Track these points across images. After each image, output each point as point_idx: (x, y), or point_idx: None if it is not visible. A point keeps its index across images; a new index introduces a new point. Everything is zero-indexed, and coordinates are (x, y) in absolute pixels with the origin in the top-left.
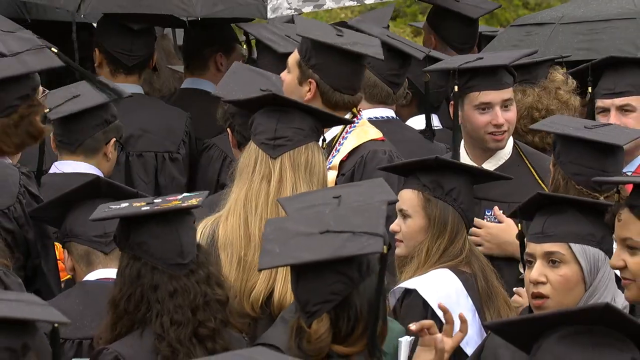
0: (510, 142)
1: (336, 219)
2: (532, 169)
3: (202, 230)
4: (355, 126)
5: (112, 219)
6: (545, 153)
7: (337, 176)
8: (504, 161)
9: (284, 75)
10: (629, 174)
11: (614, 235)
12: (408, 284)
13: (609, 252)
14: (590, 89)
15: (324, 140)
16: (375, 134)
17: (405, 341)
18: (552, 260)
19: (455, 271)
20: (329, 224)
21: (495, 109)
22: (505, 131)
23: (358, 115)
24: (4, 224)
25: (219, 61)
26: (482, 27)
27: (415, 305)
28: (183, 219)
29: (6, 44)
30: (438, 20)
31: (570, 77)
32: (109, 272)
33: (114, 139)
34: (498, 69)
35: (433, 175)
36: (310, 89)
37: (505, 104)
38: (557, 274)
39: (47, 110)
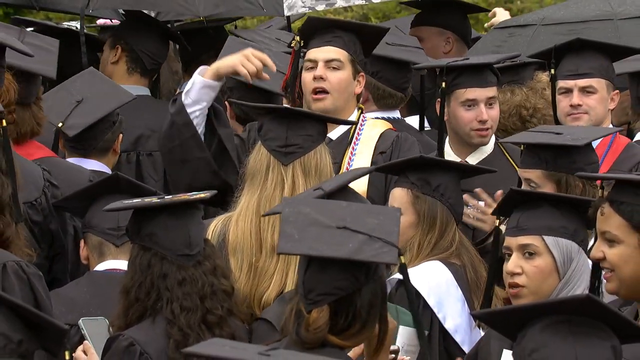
0: (492, 138)
1: (352, 215)
2: (512, 162)
3: (213, 228)
4: (364, 124)
5: (124, 210)
6: None
7: (373, 156)
8: (486, 155)
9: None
10: None
11: (595, 228)
12: (401, 275)
13: (582, 244)
14: (553, 71)
15: (329, 140)
16: (386, 125)
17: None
18: (526, 252)
19: (445, 263)
20: (345, 219)
21: (480, 106)
22: (489, 128)
23: (364, 115)
24: (32, 216)
25: None
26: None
27: (407, 296)
28: (192, 212)
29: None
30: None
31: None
32: (118, 264)
33: (121, 135)
34: (483, 68)
35: (420, 173)
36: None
37: (489, 102)
38: (532, 265)
39: (60, 124)
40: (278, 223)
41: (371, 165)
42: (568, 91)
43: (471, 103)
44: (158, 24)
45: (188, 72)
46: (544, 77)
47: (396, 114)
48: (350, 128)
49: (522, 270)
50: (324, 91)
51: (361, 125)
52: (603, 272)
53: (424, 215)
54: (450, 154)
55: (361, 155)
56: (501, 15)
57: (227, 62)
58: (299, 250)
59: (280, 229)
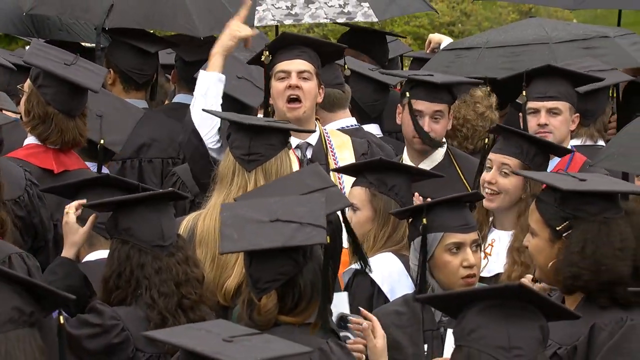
0: (443, 147)
1: (283, 208)
2: (459, 170)
3: (185, 223)
4: (327, 131)
5: (104, 204)
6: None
7: (356, 158)
8: (437, 163)
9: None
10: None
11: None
12: (358, 265)
13: None
14: (524, 92)
15: (307, 145)
16: (343, 134)
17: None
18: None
19: (397, 255)
20: (277, 212)
21: (425, 118)
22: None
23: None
24: (17, 212)
25: None
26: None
27: (363, 283)
28: (163, 207)
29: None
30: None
31: (491, 94)
32: (107, 254)
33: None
34: (435, 85)
35: (377, 174)
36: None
37: (434, 116)
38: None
39: (102, 141)
40: None
41: None
42: (536, 111)
43: (418, 114)
44: (139, 39)
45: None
46: (479, 91)
47: (353, 121)
48: (320, 135)
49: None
50: (298, 100)
51: (325, 132)
52: None
53: (380, 211)
54: (406, 160)
55: (344, 159)
56: (439, 39)
57: (224, 43)
58: (239, 247)
59: (220, 232)
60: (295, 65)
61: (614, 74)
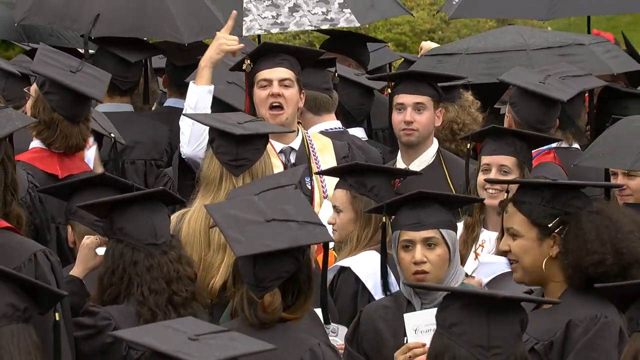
0: (434, 149)
1: (271, 207)
2: (446, 172)
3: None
4: (309, 134)
5: (97, 204)
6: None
7: (337, 161)
8: (426, 164)
9: (285, 91)
10: None
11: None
12: (343, 262)
13: (455, 232)
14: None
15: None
16: (325, 137)
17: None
18: (429, 243)
19: None
20: (268, 212)
21: (408, 110)
22: (414, 130)
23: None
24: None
25: None
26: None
27: (348, 280)
28: (156, 207)
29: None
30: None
31: (475, 99)
32: (102, 250)
33: None
34: (415, 77)
35: (357, 177)
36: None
37: (417, 107)
38: (435, 254)
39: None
40: None
41: None
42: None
43: (401, 107)
44: (121, 48)
45: (173, 89)
46: (469, 97)
47: (338, 124)
48: (303, 139)
49: (427, 259)
50: (280, 107)
51: (308, 136)
52: (511, 264)
53: (361, 212)
54: (399, 160)
55: (325, 162)
56: (429, 46)
57: (211, 56)
58: (254, 250)
59: (224, 236)
60: (277, 73)
61: (589, 80)
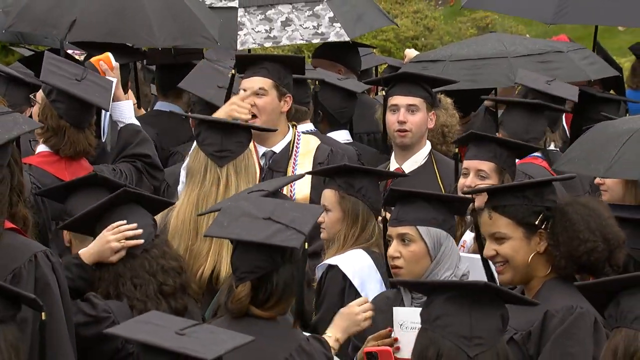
0: (426, 150)
1: (280, 209)
2: (437, 173)
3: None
4: (300, 137)
5: (91, 211)
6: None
7: (313, 166)
8: (419, 165)
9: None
10: None
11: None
12: (330, 260)
13: (450, 230)
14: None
15: (273, 153)
16: (317, 140)
17: None
18: (404, 239)
19: (367, 251)
20: (273, 212)
21: (401, 111)
22: (408, 130)
23: (297, 129)
24: None
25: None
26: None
27: (336, 278)
28: (133, 208)
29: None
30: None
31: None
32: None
33: None
34: (408, 79)
35: (345, 178)
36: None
37: (410, 109)
38: (408, 250)
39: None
40: (214, 215)
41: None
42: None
43: (395, 108)
44: (96, 53)
45: (164, 94)
46: (447, 98)
47: (310, 126)
48: (290, 142)
49: (401, 254)
50: (254, 115)
51: (298, 140)
52: (496, 267)
53: (349, 212)
54: (393, 161)
55: (302, 166)
56: (413, 53)
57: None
58: (221, 234)
59: (215, 218)
60: (252, 83)
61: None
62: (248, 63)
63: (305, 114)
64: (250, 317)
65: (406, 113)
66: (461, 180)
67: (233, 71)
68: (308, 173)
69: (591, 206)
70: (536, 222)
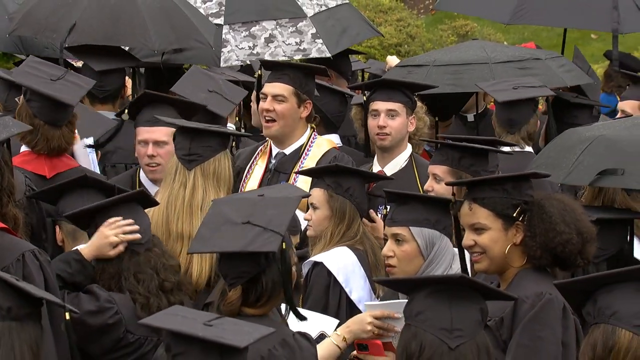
0: (407, 153)
1: (259, 210)
2: (417, 176)
3: None
4: (315, 139)
5: (81, 211)
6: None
7: None
8: (399, 168)
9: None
10: None
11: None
12: (316, 257)
13: (445, 231)
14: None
15: (283, 155)
16: (332, 143)
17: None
18: (397, 239)
19: (352, 248)
20: (252, 215)
21: (381, 115)
22: (387, 134)
23: (315, 134)
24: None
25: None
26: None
27: (321, 274)
28: (135, 207)
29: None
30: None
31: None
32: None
33: None
34: (388, 85)
35: (334, 178)
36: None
37: (391, 114)
38: (401, 249)
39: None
40: (182, 215)
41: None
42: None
43: (375, 113)
44: (93, 58)
45: None
46: (418, 102)
47: (336, 136)
48: (303, 145)
49: (394, 253)
50: (272, 119)
51: (311, 143)
52: (472, 256)
53: (336, 210)
54: (375, 163)
55: (306, 166)
56: (394, 61)
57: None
58: (204, 249)
59: (197, 231)
60: (271, 88)
61: (538, 90)
62: (272, 67)
63: (338, 124)
64: (242, 315)
65: (386, 118)
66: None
67: (260, 71)
68: (299, 172)
69: (566, 202)
70: (514, 215)
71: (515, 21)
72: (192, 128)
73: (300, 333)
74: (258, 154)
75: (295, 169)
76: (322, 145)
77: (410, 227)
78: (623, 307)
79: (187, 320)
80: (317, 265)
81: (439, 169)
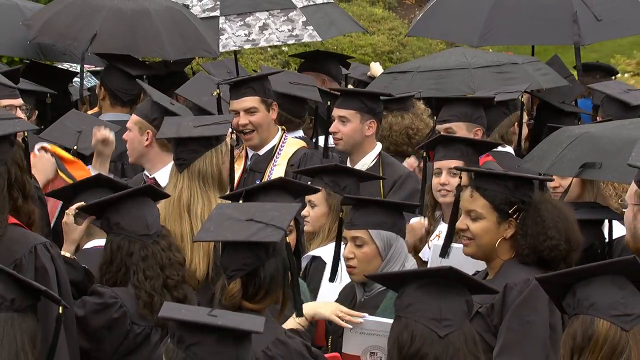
0: (374, 153)
1: (261, 211)
2: (381, 174)
3: None
4: (286, 140)
5: (93, 204)
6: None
7: (287, 166)
8: (367, 167)
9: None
10: None
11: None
12: (314, 252)
13: (400, 232)
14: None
15: (257, 156)
16: (301, 144)
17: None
18: (357, 243)
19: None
20: (254, 214)
21: (335, 122)
22: (339, 139)
23: (285, 134)
24: None
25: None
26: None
27: (319, 268)
28: (145, 201)
29: None
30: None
31: (427, 107)
32: (103, 242)
33: None
34: (346, 94)
35: (332, 177)
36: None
37: (341, 120)
38: (360, 251)
39: (75, 147)
40: (171, 216)
41: (284, 173)
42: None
43: (333, 119)
44: (125, 64)
45: None
46: (421, 106)
47: (300, 134)
48: (275, 146)
49: (354, 255)
50: (251, 131)
51: (282, 143)
52: (462, 239)
53: (334, 208)
54: (347, 163)
55: (279, 167)
56: (378, 69)
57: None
58: (208, 238)
59: (202, 225)
60: (243, 103)
61: (514, 94)
62: (235, 87)
63: (298, 124)
64: (242, 309)
65: (338, 123)
66: (434, 180)
67: (217, 91)
68: (297, 172)
69: (561, 209)
70: (510, 211)
71: (483, 43)
72: (175, 138)
73: (292, 331)
74: (235, 159)
75: (269, 168)
76: (292, 145)
77: (370, 230)
78: (600, 299)
79: (193, 312)
80: (315, 259)
81: (455, 164)
